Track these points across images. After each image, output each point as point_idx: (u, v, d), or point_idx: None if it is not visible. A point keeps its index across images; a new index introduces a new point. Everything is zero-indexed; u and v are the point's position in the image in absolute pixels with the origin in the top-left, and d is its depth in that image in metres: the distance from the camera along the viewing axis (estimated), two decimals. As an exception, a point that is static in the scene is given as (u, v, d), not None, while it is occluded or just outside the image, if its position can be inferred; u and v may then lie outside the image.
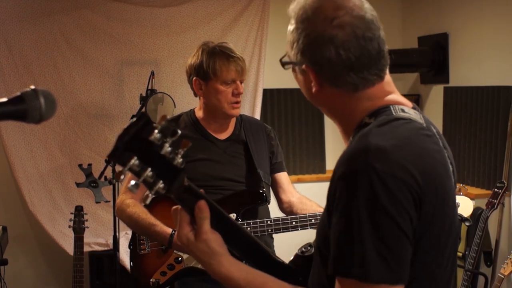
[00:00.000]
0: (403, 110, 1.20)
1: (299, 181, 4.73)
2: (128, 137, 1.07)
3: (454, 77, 4.41)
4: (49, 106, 1.02)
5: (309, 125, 4.86)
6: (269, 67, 4.53)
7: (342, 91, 1.21)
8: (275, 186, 2.55)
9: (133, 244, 2.47)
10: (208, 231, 1.21)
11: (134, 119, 1.08)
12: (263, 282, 1.21)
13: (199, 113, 2.47)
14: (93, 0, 4.23)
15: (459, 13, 4.33)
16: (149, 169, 1.08)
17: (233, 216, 2.34)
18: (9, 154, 4.09)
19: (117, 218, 3.32)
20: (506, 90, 3.86)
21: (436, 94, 4.63)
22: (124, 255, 3.83)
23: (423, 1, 4.75)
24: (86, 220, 3.55)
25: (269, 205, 2.51)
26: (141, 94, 3.61)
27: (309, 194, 2.58)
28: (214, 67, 2.32)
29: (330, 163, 4.92)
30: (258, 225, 2.35)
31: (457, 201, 2.88)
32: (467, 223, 2.67)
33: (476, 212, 3.60)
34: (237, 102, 2.38)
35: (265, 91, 4.58)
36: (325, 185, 1.17)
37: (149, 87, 3.52)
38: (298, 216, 2.37)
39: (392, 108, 1.20)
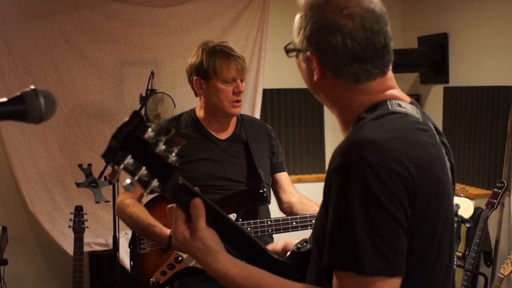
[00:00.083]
0: (399, 105, 1.21)
1: (299, 181, 4.73)
2: (122, 136, 1.07)
3: (454, 77, 4.41)
4: (49, 106, 1.02)
5: (309, 125, 4.86)
6: (269, 67, 4.53)
7: (343, 82, 1.22)
8: (276, 186, 2.55)
9: (133, 244, 2.47)
10: (204, 228, 1.21)
11: (127, 118, 1.08)
12: (260, 278, 1.21)
13: (200, 113, 2.46)
14: (93, 0, 4.23)
15: (459, 13, 4.33)
16: (144, 167, 1.08)
17: (233, 216, 2.34)
18: (9, 154, 4.08)
19: (117, 218, 3.32)
20: (506, 90, 3.86)
21: (436, 94, 4.63)
22: (124, 255, 3.83)
23: (423, 1, 4.75)
24: (86, 220, 3.55)
25: (269, 205, 2.51)
26: (141, 94, 3.62)
27: (309, 194, 2.58)
28: (214, 66, 2.32)
29: (330, 163, 4.92)
30: (258, 225, 2.35)
31: (457, 203, 2.88)
32: (467, 225, 2.67)
33: (476, 212, 3.60)
34: (238, 101, 2.38)
35: (265, 91, 4.58)
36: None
37: (149, 87, 3.52)
38: (298, 216, 2.37)
39: (388, 103, 1.21)
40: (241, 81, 2.38)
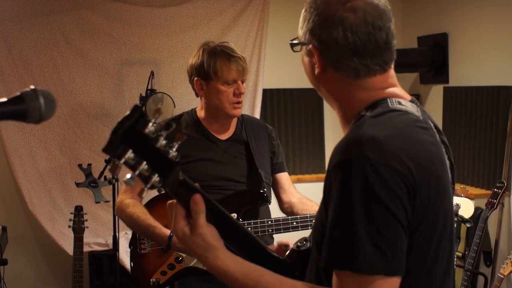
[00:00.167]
0: (399, 103, 1.21)
1: (299, 181, 4.73)
2: (123, 130, 1.06)
3: (453, 77, 4.41)
4: (48, 106, 1.02)
5: (308, 125, 4.86)
6: (269, 67, 4.53)
7: (343, 76, 1.22)
8: (276, 186, 2.55)
9: (134, 244, 2.47)
10: (204, 225, 1.20)
11: (128, 112, 1.07)
12: (259, 275, 1.21)
13: (201, 113, 2.46)
14: (92, 0, 4.23)
15: (459, 13, 4.33)
16: (144, 162, 1.07)
17: (233, 216, 2.34)
18: (9, 154, 4.09)
19: (116, 218, 3.32)
20: (506, 90, 3.86)
21: (435, 94, 4.62)
22: (124, 255, 3.83)
23: (422, 1, 4.75)
24: (86, 220, 3.55)
25: (269, 205, 2.51)
26: (140, 94, 3.62)
27: (308, 194, 2.58)
28: (215, 67, 2.32)
29: (330, 163, 4.92)
30: (258, 225, 2.35)
31: (458, 203, 2.87)
32: (467, 225, 2.67)
33: (476, 212, 3.60)
34: (239, 102, 2.37)
35: (265, 91, 4.58)
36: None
37: (149, 87, 3.52)
38: (298, 216, 2.37)
39: (389, 101, 1.21)
40: (242, 82, 2.37)
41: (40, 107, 1.00)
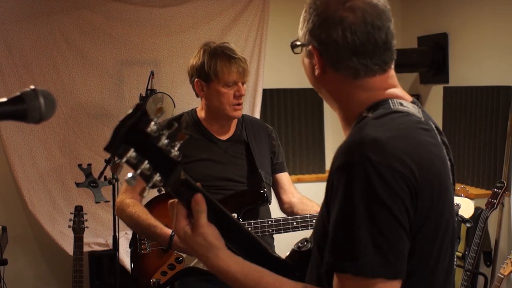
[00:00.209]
0: (401, 104, 1.21)
1: (299, 181, 4.73)
2: (125, 128, 1.06)
3: (453, 77, 4.41)
4: (48, 106, 1.01)
5: (308, 125, 4.86)
6: (269, 67, 4.53)
7: (343, 76, 1.21)
8: (276, 187, 2.54)
9: (134, 244, 2.47)
10: (205, 224, 1.20)
11: (130, 111, 1.07)
12: (260, 276, 1.21)
13: (201, 114, 2.46)
14: (93, 0, 4.23)
15: (459, 13, 4.33)
16: (146, 161, 1.07)
17: (234, 216, 2.34)
18: (9, 154, 4.09)
19: (116, 218, 3.32)
20: (505, 90, 3.86)
21: (435, 94, 4.62)
22: (124, 255, 3.83)
23: (422, 1, 4.75)
24: (86, 220, 3.55)
25: (270, 206, 2.51)
26: (140, 94, 3.61)
27: (309, 194, 2.58)
28: (215, 68, 2.31)
29: (330, 163, 4.92)
30: (259, 225, 2.35)
31: (458, 203, 2.87)
32: (468, 224, 2.67)
33: (476, 212, 3.60)
34: (239, 104, 2.37)
35: (265, 91, 4.58)
36: (325, 185, 1.17)
37: (149, 87, 3.52)
38: (299, 216, 2.37)
39: (390, 102, 1.20)
40: (242, 84, 2.37)
41: (40, 107, 1.00)
